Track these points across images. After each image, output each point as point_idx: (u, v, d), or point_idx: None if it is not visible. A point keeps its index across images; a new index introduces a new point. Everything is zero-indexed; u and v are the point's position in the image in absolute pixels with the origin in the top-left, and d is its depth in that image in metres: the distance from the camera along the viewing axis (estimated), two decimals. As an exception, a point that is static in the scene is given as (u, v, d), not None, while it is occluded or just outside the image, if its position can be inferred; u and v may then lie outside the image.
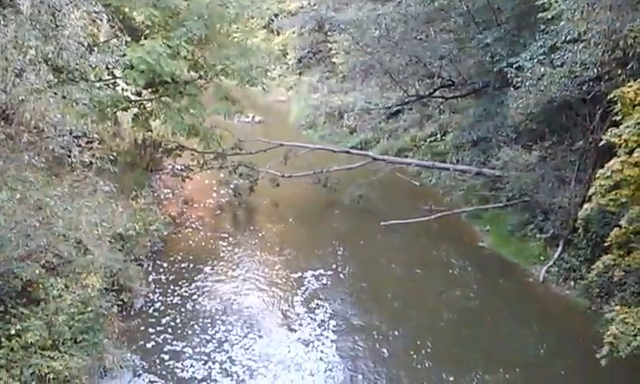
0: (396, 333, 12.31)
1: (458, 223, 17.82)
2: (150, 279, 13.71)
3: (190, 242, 16.19)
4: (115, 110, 16.30)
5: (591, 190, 9.74)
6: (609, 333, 9.09)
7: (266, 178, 19.00)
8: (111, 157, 15.80)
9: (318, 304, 13.30)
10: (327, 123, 28.35)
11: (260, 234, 17.06)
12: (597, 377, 10.22)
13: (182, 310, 12.67)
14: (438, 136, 23.46)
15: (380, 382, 10.85)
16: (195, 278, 14.05)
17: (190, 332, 11.90)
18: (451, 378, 10.79)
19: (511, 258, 15.65)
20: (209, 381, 10.44)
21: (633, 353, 8.81)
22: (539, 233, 15.75)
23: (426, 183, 21.01)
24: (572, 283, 13.96)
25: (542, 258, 15.13)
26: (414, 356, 11.46)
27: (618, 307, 9.67)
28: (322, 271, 14.72)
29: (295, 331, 12.26)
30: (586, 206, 10.01)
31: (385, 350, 11.75)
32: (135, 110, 17.35)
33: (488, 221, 17.53)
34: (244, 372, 10.74)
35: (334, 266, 15.07)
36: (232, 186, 19.15)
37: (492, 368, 11.06)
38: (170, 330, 11.89)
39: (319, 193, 19.28)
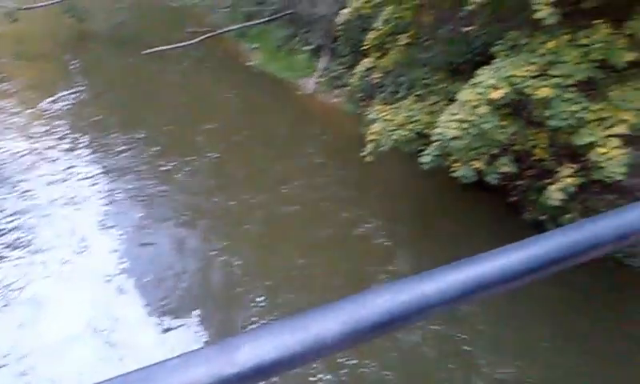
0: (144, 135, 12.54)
1: (225, 43, 17.20)
2: None
3: None
4: None
5: (348, -6, 9.81)
6: (372, 131, 9.77)
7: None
8: None
9: (72, 129, 12.70)
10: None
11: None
12: (361, 168, 10.99)
13: None
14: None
15: (132, 159, 11.64)
16: None
17: None
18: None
19: (281, 73, 15.72)
20: None
21: (394, 145, 9.63)
22: (305, 45, 15.93)
23: (185, 3, 19.64)
24: (338, 91, 14.61)
25: (309, 70, 15.43)
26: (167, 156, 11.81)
27: (378, 107, 10.35)
28: (73, 102, 13.75)
29: (55, 160, 11.62)
30: (343, 11, 10.11)
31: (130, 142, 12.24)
32: None
33: (255, 38, 17.19)
34: (33, 218, 9.94)
35: (84, 97, 14.07)
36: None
37: (267, 164, 11.67)
38: None
39: (69, 24, 16.97)
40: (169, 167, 11.55)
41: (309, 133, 13.14)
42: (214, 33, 16.80)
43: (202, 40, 16.19)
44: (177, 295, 8.88)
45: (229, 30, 17.35)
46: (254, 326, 7.80)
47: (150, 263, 9.41)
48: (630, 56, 7.30)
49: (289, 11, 16.18)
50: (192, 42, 16.03)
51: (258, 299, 8.80)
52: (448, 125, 7.85)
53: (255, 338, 0.67)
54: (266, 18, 16.98)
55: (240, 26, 17.37)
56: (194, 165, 11.70)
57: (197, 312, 8.58)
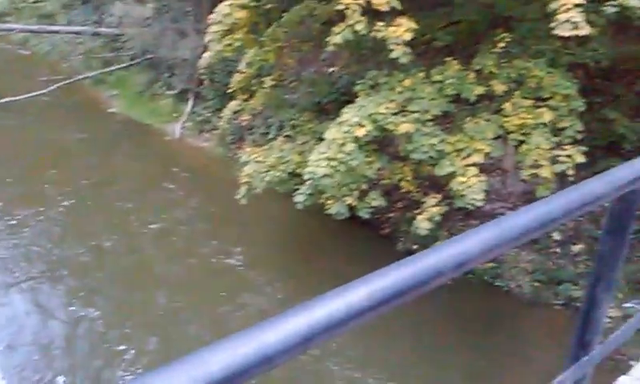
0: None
1: (83, 92, 16.32)
2: None
3: None
4: None
5: (207, 38, 9.68)
6: (244, 173, 9.65)
7: None
8: None
9: None
10: None
11: None
12: (237, 211, 10.68)
13: None
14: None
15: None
16: None
17: None
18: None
19: (144, 119, 15.15)
20: None
21: (267, 187, 9.55)
22: (168, 90, 15.54)
23: (37, 51, 18.48)
24: (207, 135, 14.34)
25: (175, 114, 15.03)
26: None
27: (249, 149, 10.28)
28: None
29: None
30: (205, 55, 10.00)
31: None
32: None
33: (115, 84, 16.49)
34: None
35: None
36: None
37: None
38: None
39: None
40: (14, 222, 10.75)
41: (173, 175, 12.72)
42: (69, 80, 15.90)
43: (56, 88, 15.24)
44: (37, 361, 8.09)
45: (84, 78, 16.50)
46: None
47: (3, 329, 8.51)
48: (479, 90, 7.86)
49: (149, 56, 15.74)
50: (45, 90, 15.06)
51: (123, 349, 8.24)
52: (318, 163, 7.93)
53: None
54: (125, 64, 16.39)
55: (96, 72, 16.61)
56: (44, 215, 10.99)
57: (60, 378, 7.84)
